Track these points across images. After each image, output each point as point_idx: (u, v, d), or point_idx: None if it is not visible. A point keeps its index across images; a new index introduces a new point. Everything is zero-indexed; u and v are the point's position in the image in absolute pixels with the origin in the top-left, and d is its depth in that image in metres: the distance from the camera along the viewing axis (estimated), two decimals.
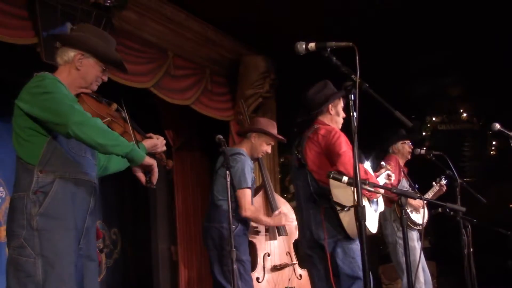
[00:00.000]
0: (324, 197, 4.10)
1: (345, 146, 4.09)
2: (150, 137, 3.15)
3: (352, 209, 3.81)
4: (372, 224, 4.18)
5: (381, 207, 4.51)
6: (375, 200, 4.38)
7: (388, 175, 4.84)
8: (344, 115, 4.39)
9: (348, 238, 4.08)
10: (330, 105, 4.35)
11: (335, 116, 4.40)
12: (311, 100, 4.36)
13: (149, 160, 2.96)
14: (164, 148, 3.20)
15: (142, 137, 3.17)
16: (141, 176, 3.04)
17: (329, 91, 4.36)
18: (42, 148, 2.82)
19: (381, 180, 4.79)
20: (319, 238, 4.15)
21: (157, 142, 3.17)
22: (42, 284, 2.72)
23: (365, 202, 4.14)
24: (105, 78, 3.13)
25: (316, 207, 4.17)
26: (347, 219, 3.99)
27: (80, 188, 2.92)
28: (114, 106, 3.11)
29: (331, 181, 3.97)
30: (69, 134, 2.70)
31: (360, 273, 3.98)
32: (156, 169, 3.03)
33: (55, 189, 2.81)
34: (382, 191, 4.15)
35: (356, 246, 4.09)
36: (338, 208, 4.00)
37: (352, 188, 3.88)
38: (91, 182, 3.01)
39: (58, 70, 3.02)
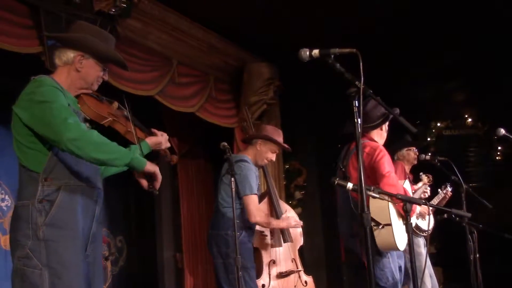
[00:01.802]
0: None
1: (388, 167, 4.29)
2: (154, 134, 3.11)
3: (386, 227, 4.11)
4: (402, 242, 4.30)
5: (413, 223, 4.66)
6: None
7: (424, 191, 4.95)
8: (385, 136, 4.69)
9: (379, 252, 4.27)
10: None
11: (384, 133, 4.65)
12: (368, 114, 4.49)
13: (150, 167, 2.93)
14: (168, 144, 3.17)
15: (145, 134, 3.13)
16: (143, 182, 3.03)
17: (383, 108, 4.47)
18: (47, 156, 2.78)
19: (417, 195, 5.19)
20: (354, 248, 4.44)
21: (161, 139, 3.13)
22: None
23: (399, 220, 4.33)
24: (106, 77, 3.08)
25: (352, 221, 4.36)
26: (380, 236, 4.18)
27: (86, 195, 2.89)
28: (116, 104, 3.07)
29: (370, 199, 4.11)
30: (63, 150, 2.67)
31: (388, 283, 4.28)
32: (158, 175, 3.01)
33: (61, 198, 2.76)
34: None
35: (386, 259, 4.33)
36: (373, 224, 4.17)
37: (388, 206, 4.13)
38: (95, 188, 2.97)
39: (57, 72, 2.97)
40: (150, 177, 3.02)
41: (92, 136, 2.69)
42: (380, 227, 4.16)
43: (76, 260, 2.79)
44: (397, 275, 4.38)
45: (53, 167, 2.78)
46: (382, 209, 4.17)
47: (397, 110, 4.20)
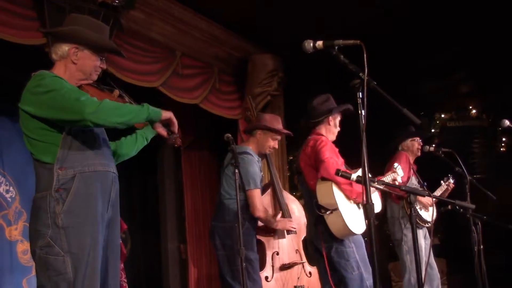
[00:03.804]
0: (316, 204, 4.35)
1: (328, 153, 4.35)
2: None
3: (334, 212, 4.19)
4: (356, 225, 4.32)
5: (377, 208, 4.60)
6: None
7: (394, 179, 4.90)
8: (339, 129, 4.71)
9: (340, 241, 4.34)
10: (330, 117, 4.63)
11: (332, 128, 4.68)
12: (315, 109, 4.65)
13: (166, 114, 3.04)
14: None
15: None
16: (162, 131, 3.12)
17: (332, 104, 4.67)
18: (58, 146, 2.83)
19: (386, 181, 4.94)
20: (317, 241, 4.46)
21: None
22: (73, 281, 2.75)
23: (351, 204, 4.36)
24: (104, 66, 3.13)
25: (312, 214, 4.46)
26: (331, 222, 4.27)
27: (100, 180, 2.95)
28: (117, 92, 3.12)
29: (317, 186, 4.22)
30: (88, 126, 2.75)
31: (354, 273, 4.31)
32: (174, 120, 3.09)
33: (77, 185, 2.83)
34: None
35: (349, 249, 4.36)
36: (322, 211, 4.27)
37: (333, 190, 4.18)
38: (110, 172, 3.03)
39: (55, 67, 3.02)
40: (167, 124, 3.11)
41: (107, 104, 2.78)
42: (328, 212, 4.23)
43: (95, 244, 2.85)
44: (363, 265, 4.38)
45: (66, 156, 2.84)
46: (327, 194, 4.23)
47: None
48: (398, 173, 4.94)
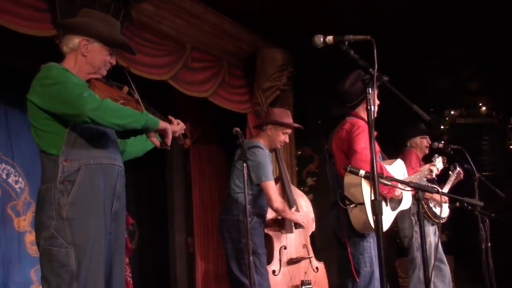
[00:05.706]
0: (340, 194, 4.15)
1: (363, 143, 4.07)
2: (170, 121, 3.13)
3: (359, 206, 3.96)
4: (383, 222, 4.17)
5: (405, 205, 4.50)
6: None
7: (430, 170, 4.85)
8: (379, 102, 4.33)
9: (360, 234, 4.15)
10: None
11: (372, 106, 4.38)
12: (348, 92, 4.31)
13: (163, 124, 3.00)
14: (183, 131, 3.20)
15: (157, 117, 3.17)
16: (155, 141, 3.07)
17: (361, 83, 4.32)
18: (63, 137, 2.83)
19: (422, 174, 4.95)
20: (336, 229, 4.29)
21: (176, 128, 3.16)
22: (76, 273, 2.75)
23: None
24: (113, 62, 3.12)
25: (336, 201, 4.21)
26: (354, 215, 4.07)
27: (106, 173, 2.95)
28: (126, 89, 3.11)
29: (346, 175, 4.04)
30: (86, 122, 2.73)
31: (365, 270, 4.14)
32: (169, 132, 3.05)
33: (82, 177, 2.83)
34: (399, 187, 4.13)
35: (367, 243, 4.18)
36: (347, 202, 4.06)
37: (361, 184, 3.95)
38: (116, 165, 3.02)
39: (65, 59, 3.02)
40: (161, 134, 3.07)
41: (109, 104, 2.77)
42: (353, 206, 4.04)
43: (99, 236, 2.86)
44: (376, 264, 4.18)
45: (72, 147, 2.84)
46: (355, 186, 4.02)
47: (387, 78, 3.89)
48: (437, 165, 4.93)
